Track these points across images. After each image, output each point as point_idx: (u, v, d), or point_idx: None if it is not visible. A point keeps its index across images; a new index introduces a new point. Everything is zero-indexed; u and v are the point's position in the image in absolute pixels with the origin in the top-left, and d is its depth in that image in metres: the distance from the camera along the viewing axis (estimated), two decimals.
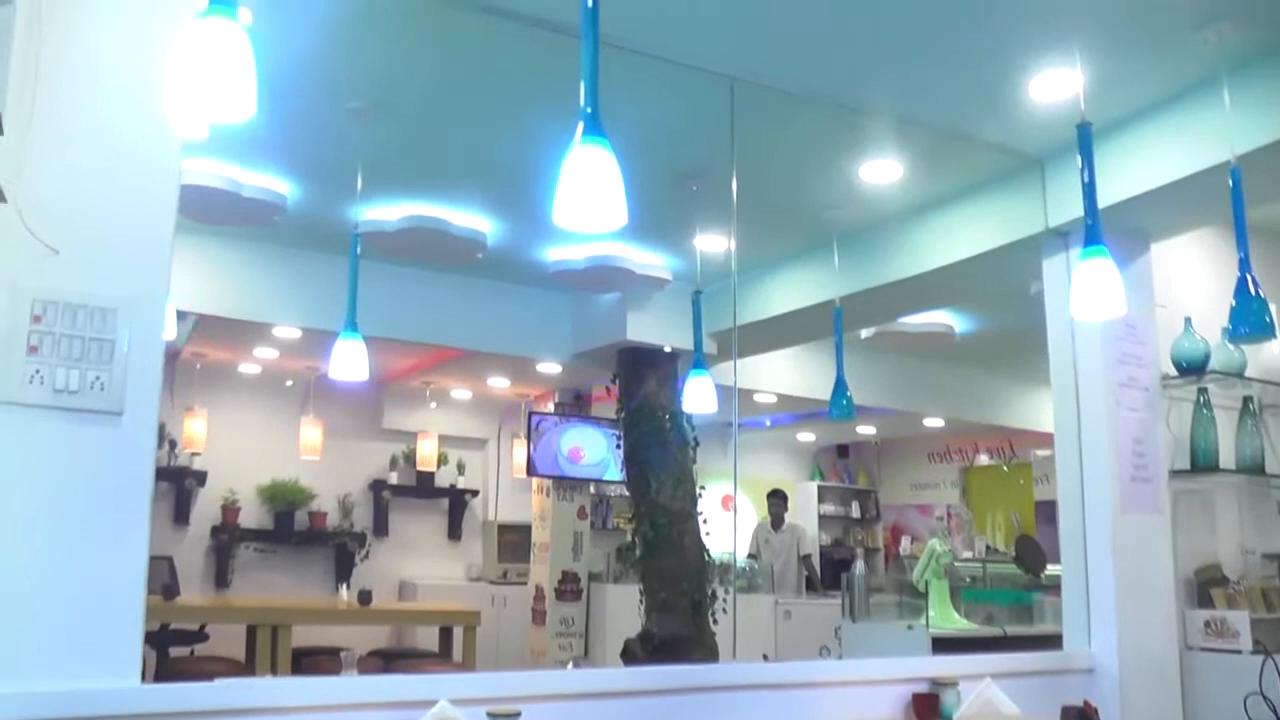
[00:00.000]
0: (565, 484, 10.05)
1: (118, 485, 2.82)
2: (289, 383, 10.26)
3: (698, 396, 5.74)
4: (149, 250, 3.04)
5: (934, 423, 11.77)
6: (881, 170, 5.42)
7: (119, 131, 3.00)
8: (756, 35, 4.12)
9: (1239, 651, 4.94)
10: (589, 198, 2.47)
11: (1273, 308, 5.71)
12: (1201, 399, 5.43)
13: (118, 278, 2.96)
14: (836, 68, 4.39)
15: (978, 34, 4.09)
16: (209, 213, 5.76)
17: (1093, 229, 3.70)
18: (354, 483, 10.75)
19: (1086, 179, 3.79)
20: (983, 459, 13.27)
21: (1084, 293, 3.70)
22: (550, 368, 8.78)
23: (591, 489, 10.58)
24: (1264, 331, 4.10)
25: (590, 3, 2.55)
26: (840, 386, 5.99)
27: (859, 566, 8.49)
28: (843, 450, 14.47)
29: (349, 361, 4.95)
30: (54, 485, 2.73)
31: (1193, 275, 5.69)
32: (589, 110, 2.51)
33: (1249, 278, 4.06)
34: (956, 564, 11.94)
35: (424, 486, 11.08)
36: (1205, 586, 5.30)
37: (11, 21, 2.68)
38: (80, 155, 2.95)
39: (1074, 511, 5.08)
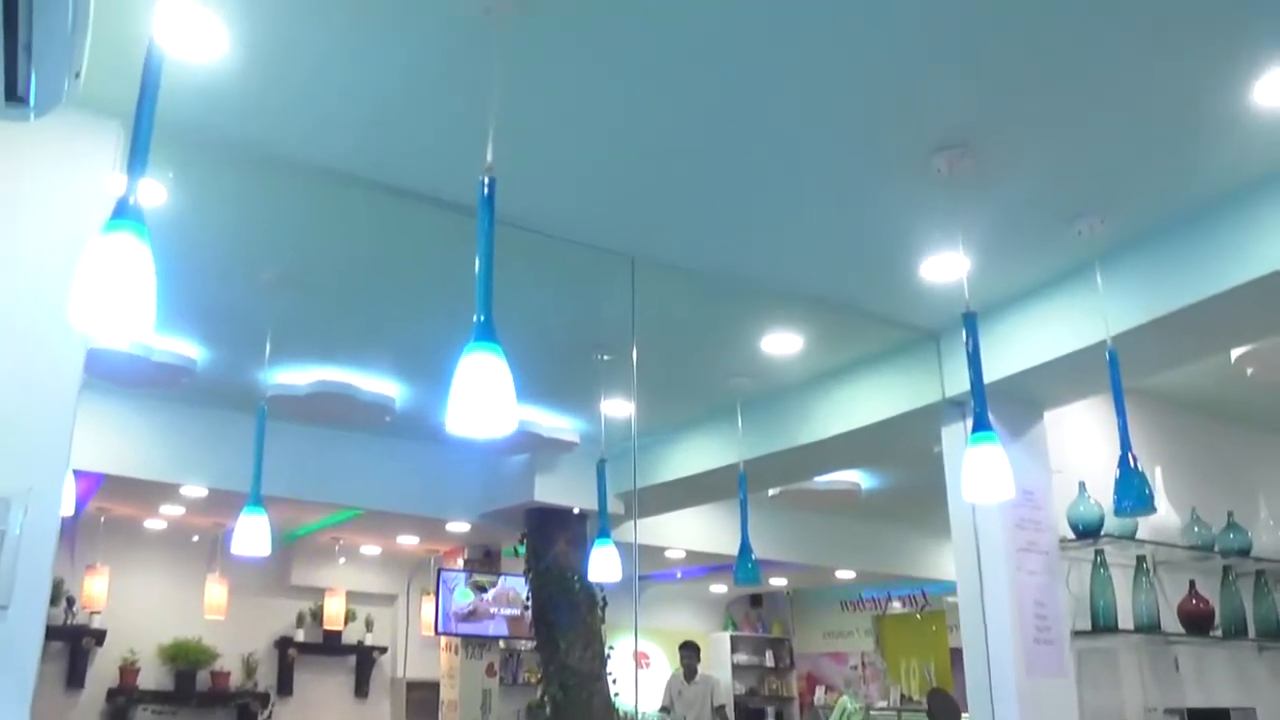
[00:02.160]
0: (474, 641, 9.91)
1: None
2: (195, 538, 10.06)
3: (602, 566, 5.76)
4: (48, 441, 3.05)
5: (845, 574, 11.85)
6: (782, 342, 5.61)
7: (24, 331, 3.04)
8: (656, 216, 4.30)
9: None
10: (481, 404, 2.52)
11: (1159, 471, 5.99)
12: (1099, 560, 5.61)
13: (13, 468, 2.96)
14: (734, 248, 4.58)
15: (869, 221, 4.32)
16: (117, 376, 5.73)
17: (980, 416, 3.83)
18: (259, 641, 10.47)
19: (972, 367, 3.94)
20: (896, 607, 13.33)
21: (974, 477, 3.82)
22: (459, 526, 8.74)
23: (501, 645, 10.45)
24: (1145, 505, 4.27)
25: (484, 223, 2.63)
26: (745, 551, 6.04)
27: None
28: (756, 600, 14.46)
29: (251, 538, 4.90)
30: None
31: (1087, 440, 5.91)
32: (481, 318, 2.57)
33: (1130, 455, 4.22)
34: (872, 713, 11.95)
35: (331, 644, 10.82)
36: None
37: None
38: None
39: (980, 674, 5.16)
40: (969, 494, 3.92)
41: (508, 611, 9.89)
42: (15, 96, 2.21)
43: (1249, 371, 5.71)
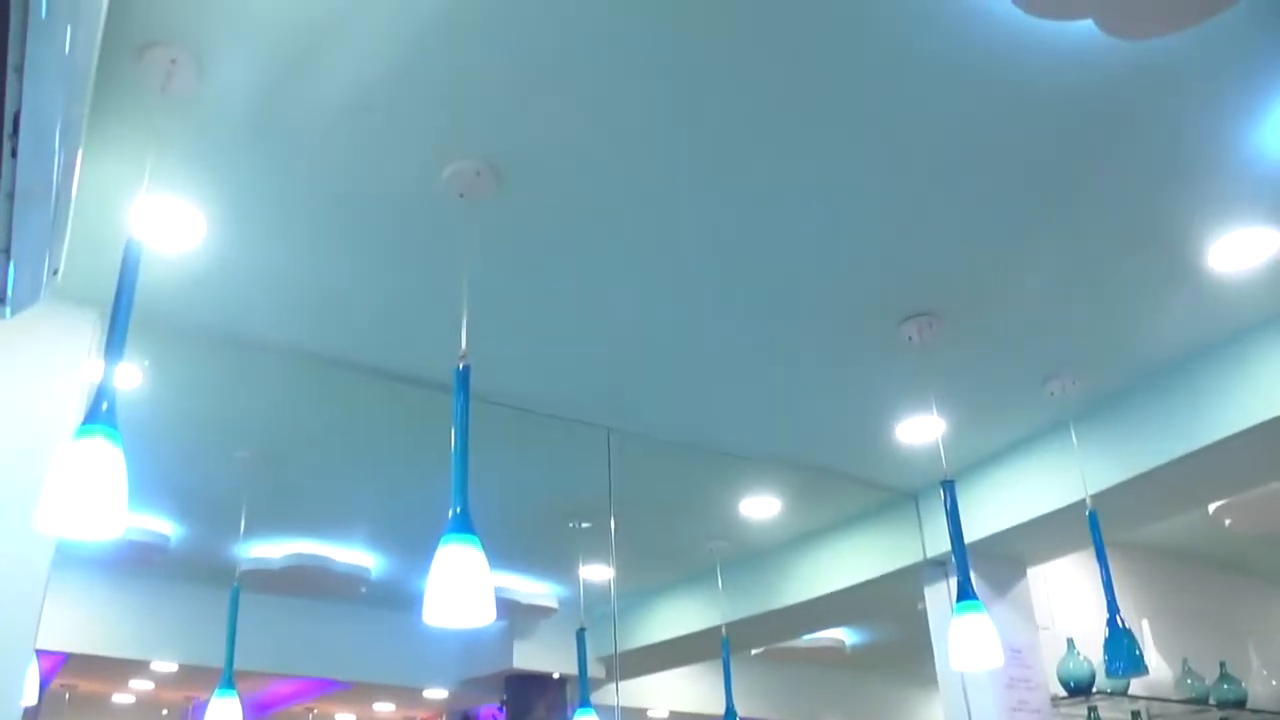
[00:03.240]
0: None
1: None
2: (165, 713, 9.79)
3: None
4: (11, 638, 2.99)
5: None
6: (760, 505, 5.59)
7: None
8: (630, 390, 4.34)
9: None
10: (458, 596, 2.50)
11: (1146, 624, 5.94)
12: (1092, 717, 5.51)
13: None
14: (708, 417, 4.62)
15: (843, 387, 4.37)
16: (88, 555, 5.64)
17: (964, 585, 3.78)
18: None
19: (953, 534, 3.91)
20: None
21: (962, 646, 3.75)
22: (437, 693, 8.55)
23: None
24: (1136, 667, 4.22)
25: (460, 410, 2.63)
26: (730, 715, 5.91)
27: None
28: None
29: None
30: None
31: (1074, 595, 5.87)
32: (458, 510, 2.56)
33: (1118, 617, 4.19)
34: None
35: None
36: None
37: None
38: None
39: None
40: (957, 664, 3.85)
41: None
42: None
43: (1227, 523, 5.73)
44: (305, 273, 3.44)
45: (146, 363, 3.79)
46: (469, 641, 7.73)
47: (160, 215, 3.04)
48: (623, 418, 4.56)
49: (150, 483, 5.02)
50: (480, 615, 2.52)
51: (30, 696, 3.33)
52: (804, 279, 3.56)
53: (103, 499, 2.15)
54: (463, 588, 2.50)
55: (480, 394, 2.73)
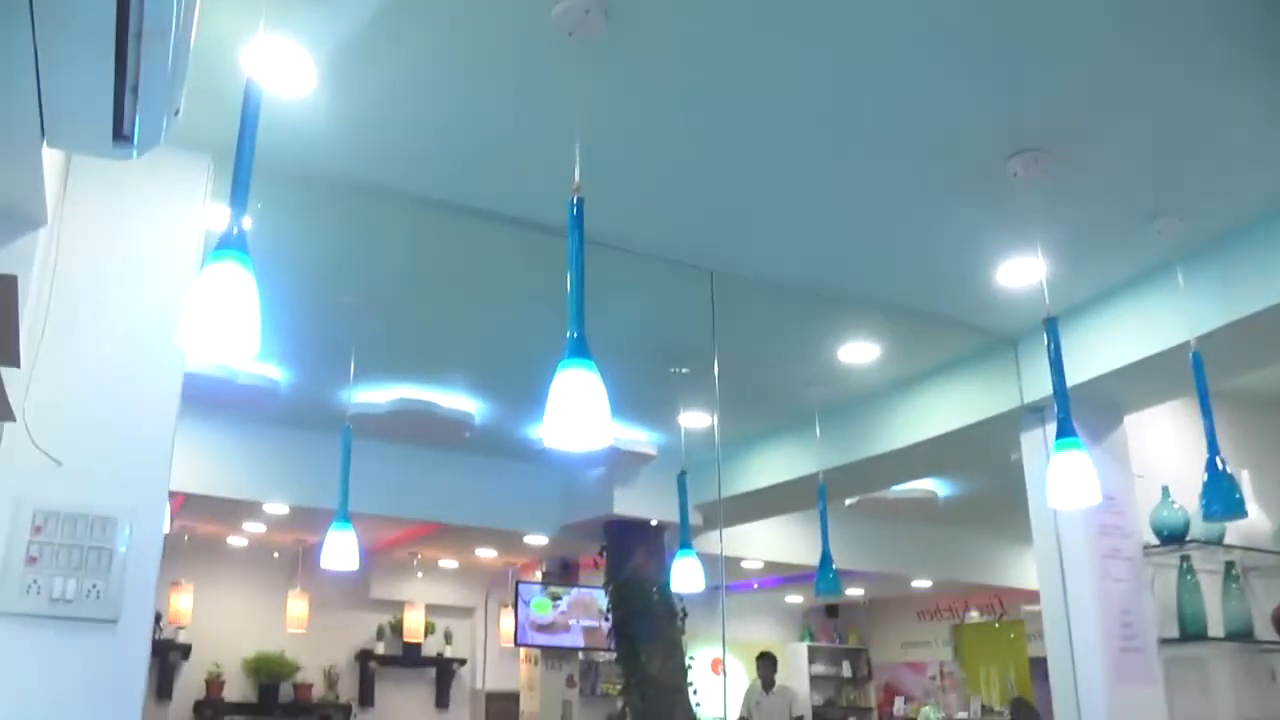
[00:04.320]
0: (553, 652, 9.97)
1: (112, 692, 2.87)
2: (276, 555, 10.25)
3: (685, 576, 5.80)
4: (149, 462, 3.16)
5: (922, 583, 11.77)
6: (859, 351, 5.61)
7: (125, 355, 3.15)
8: (734, 232, 4.35)
9: None
10: (576, 419, 2.55)
11: (1246, 474, 5.90)
12: (1185, 566, 5.49)
13: (118, 488, 3.07)
14: (812, 259, 4.62)
15: (945, 228, 4.31)
16: (205, 398, 5.87)
17: (1064, 422, 3.80)
18: (340, 654, 10.65)
19: (1055, 373, 3.91)
20: (973, 616, 13.20)
21: (1060, 483, 3.79)
22: (538, 539, 8.82)
23: (580, 656, 10.50)
24: (1235, 509, 4.19)
25: (575, 243, 2.67)
26: (826, 562, 6.04)
27: None
28: (832, 610, 14.39)
29: (340, 553, 5.02)
30: (47, 694, 2.79)
31: (1169, 444, 5.82)
32: (575, 335, 2.62)
33: (1218, 459, 4.16)
34: None
35: (411, 656, 10.98)
36: None
37: (33, 250, 2.84)
38: (88, 377, 3.09)
39: (1067, 684, 5.10)
40: (1054, 500, 3.88)
41: (586, 623, 9.95)
42: (121, 136, 2.30)
43: None
44: (414, 115, 3.48)
45: (258, 205, 3.88)
46: (569, 487, 7.95)
47: (274, 58, 3.09)
48: (726, 260, 4.58)
49: (261, 327, 5.19)
50: (597, 438, 2.57)
51: (167, 524, 3.53)
52: (910, 114, 3.52)
53: (239, 321, 2.25)
54: (581, 411, 2.55)
55: (587, 236, 2.77)
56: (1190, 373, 4.21)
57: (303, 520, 8.26)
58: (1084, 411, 5.12)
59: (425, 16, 3.00)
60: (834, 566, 6.14)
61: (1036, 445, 5.40)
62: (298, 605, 9.90)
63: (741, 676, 12.20)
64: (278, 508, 7.69)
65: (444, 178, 3.91)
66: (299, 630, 9.90)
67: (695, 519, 7.33)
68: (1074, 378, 4.94)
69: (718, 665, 12.37)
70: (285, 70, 3.16)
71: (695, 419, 6.47)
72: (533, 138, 3.58)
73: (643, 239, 4.37)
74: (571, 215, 2.75)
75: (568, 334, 2.62)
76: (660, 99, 3.41)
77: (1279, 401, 6.69)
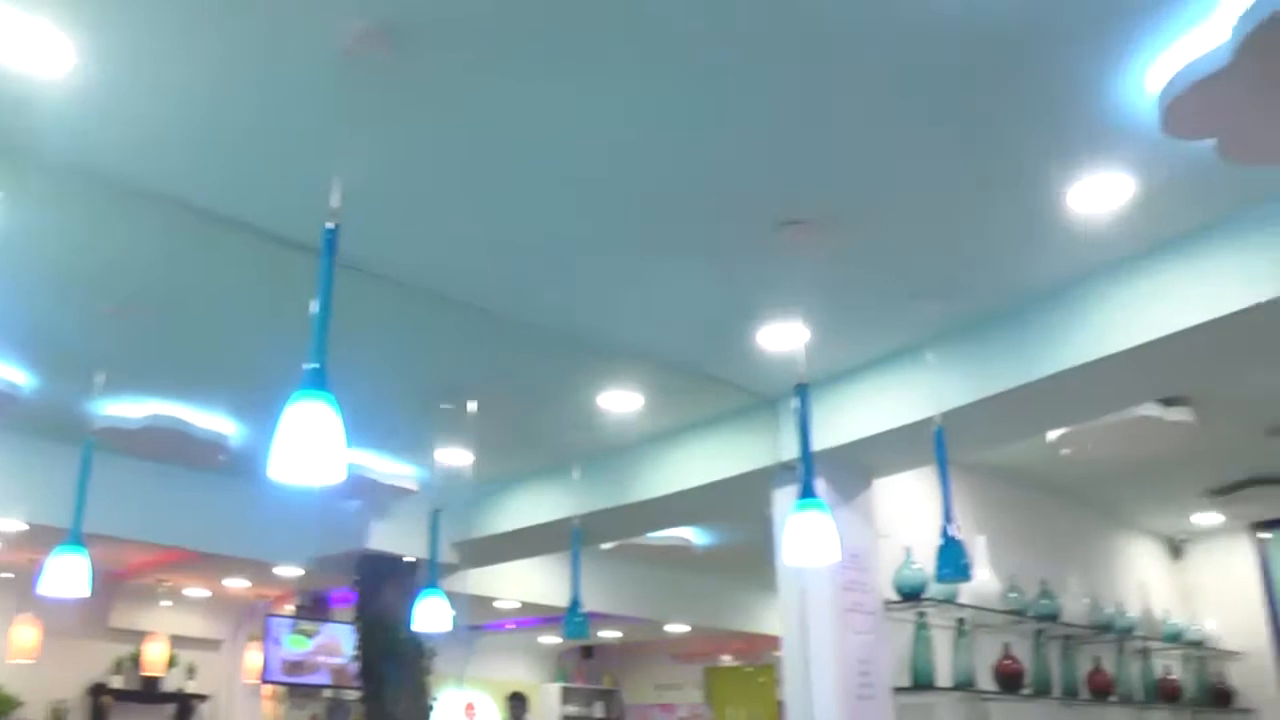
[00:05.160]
0: (300, 690, 9.70)
1: None
2: (8, 575, 9.62)
3: (429, 616, 5.73)
4: None
5: (677, 628, 11.97)
6: (623, 399, 5.69)
7: None
8: (503, 269, 4.33)
9: None
10: (305, 453, 2.49)
11: (983, 540, 6.26)
12: (921, 621, 5.86)
13: None
14: (580, 307, 4.66)
15: (713, 288, 4.46)
16: None
17: (806, 484, 3.98)
18: (71, 687, 10.01)
19: (801, 437, 4.09)
20: (726, 659, 13.49)
21: (798, 541, 3.95)
22: (291, 570, 8.57)
23: (327, 695, 10.24)
24: (962, 574, 4.51)
25: (325, 271, 2.64)
26: (574, 606, 6.07)
27: None
28: (588, 651, 14.45)
29: (65, 578, 4.63)
30: None
31: (915, 507, 6.15)
32: (314, 366, 2.56)
33: (951, 527, 4.47)
34: None
35: (149, 691, 10.38)
36: None
37: None
38: None
39: None
40: (791, 558, 4.05)
41: (333, 660, 9.72)
42: None
43: (1063, 452, 6.05)
44: (177, 116, 3.32)
45: (1, 194, 3.67)
46: (324, 519, 7.72)
47: (27, 36, 2.91)
48: (493, 297, 4.56)
49: (4, 326, 4.92)
50: (328, 475, 2.51)
51: None
52: (686, 175, 3.62)
53: None
54: (312, 445, 2.49)
55: (351, 261, 2.73)
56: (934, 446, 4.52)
57: (41, 538, 7.78)
58: (835, 472, 5.37)
59: (197, 11, 2.88)
60: (585, 610, 6.18)
61: (788, 501, 5.53)
62: (25, 633, 9.24)
63: (493, 716, 12.14)
64: (12, 524, 7.23)
65: (208, 185, 3.75)
66: (24, 660, 9.26)
67: (452, 557, 7.29)
68: (827, 441, 5.21)
69: (471, 710, 12.30)
70: (41, 48, 2.96)
71: (455, 456, 6.43)
72: (299, 155, 3.50)
73: (411, 269, 4.31)
74: (325, 242, 2.71)
75: (307, 364, 2.57)
76: (435, 132, 3.39)
77: (1015, 477, 7.18)
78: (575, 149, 3.48)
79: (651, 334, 4.94)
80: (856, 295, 4.56)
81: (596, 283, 4.44)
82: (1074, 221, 3.95)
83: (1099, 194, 3.77)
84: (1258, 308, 3.96)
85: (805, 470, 4.02)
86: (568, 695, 13.89)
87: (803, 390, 4.13)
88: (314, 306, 2.62)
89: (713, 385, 5.46)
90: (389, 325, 4.78)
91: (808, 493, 3.97)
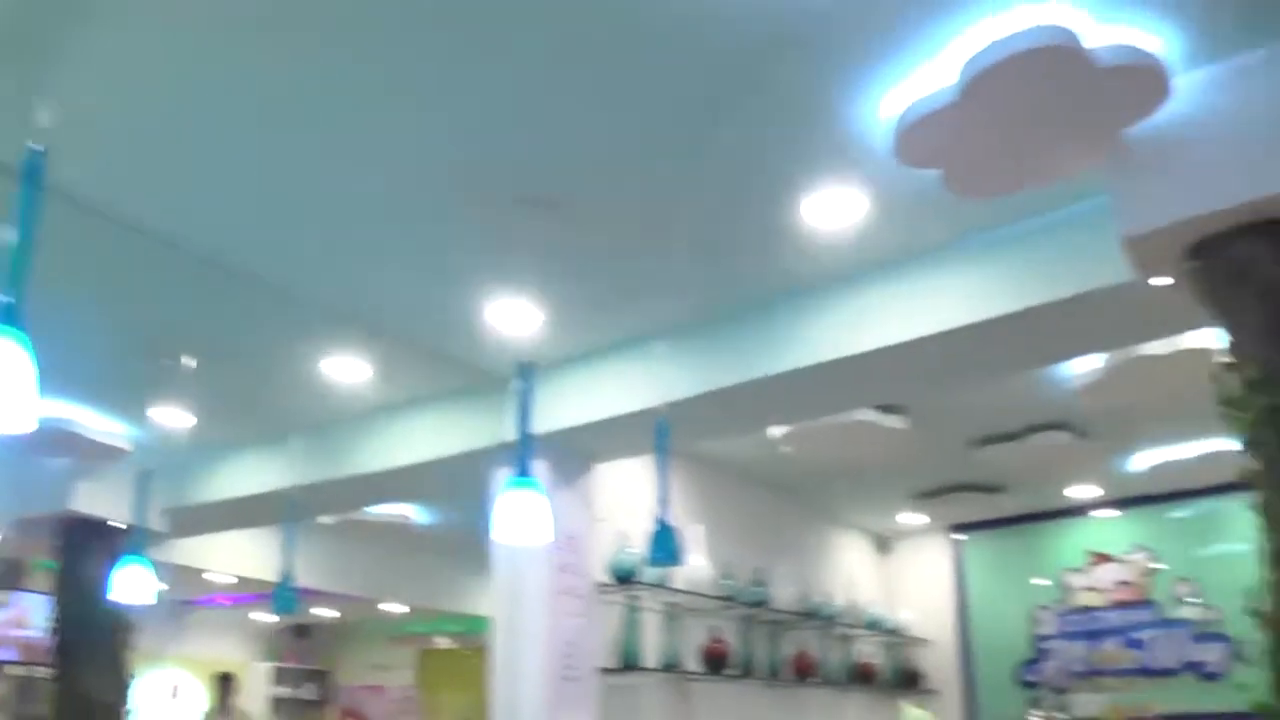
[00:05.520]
0: None
1: None
2: None
3: (130, 586, 5.46)
4: None
5: (395, 607, 11.82)
6: (350, 368, 5.51)
7: None
8: (233, 220, 4.11)
9: None
10: None
11: (701, 528, 6.45)
12: (632, 605, 5.99)
13: None
14: (308, 268, 4.50)
15: (447, 261, 4.41)
16: None
17: (523, 463, 4.01)
18: None
19: (521, 417, 4.11)
20: (442, 642, 13.40)
21: (509, 519, 3.96)
22: None
23: (16, 671, 9.60)
24: (674, 559, 4.65)
25: (27, 199, 2.44)
26: (285, 580, 5.91)
27: None
28: (303, 630, 14.08)
29: None
30: None
31: (635, 493, 6.25)
32: (10, 301, 2.38)
33: (665, 514, 4.63)
34: None
35: None
36: None
37: None
38: None
39: (509, 708, 5.30)
40: (501, 535, 4.05)
41: (24, 634, 9.13)
42: None
43: (784, 449, 6.31)
44: None
45: None
46: (22, 477, 7.18)
47: None
48: (225, 252, 4.33)
49: None
50: (16, 423, 2.33)
51: None
52: (428, 146, 3.57)
53: None
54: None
55: (65, 189, 2.50)
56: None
57: None
58: (557, 455, 5.41)
59: None
60: (300, 586, 6.03)
61: None
62: None
63: (200, 696, 11.69)
64: None
65: None
66: None
67: (161, 524, 6.95)
68: (551, 424, 5.24)
69: (176, 692, 11.79)
70: None
71: (174, 416, 6.10)
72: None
73: (136, 209, 3.99)
74: (28, 167, 2.51)
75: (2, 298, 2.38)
76: (169, 68, 3.18)
77: (737, 469, 7.43)
78: (316, 111, 3.38)
79: (382, 302, 4.82)
80: (590, 281, 4.59)
81: (329, 245, 4.30)
82: (807, 232, 4.12)
83: (833, 208, 3.95)
84: (973, 327, 4.25)
85: (522, 449, 4.04)
86: (279, 675, 13.50)
87: (526, 370, 4.16)
88: (11, 235, 2.42)
89: (442, 360, 5.38)
90: (106, 267, 4.45)
91: (522, 472, 3.99)
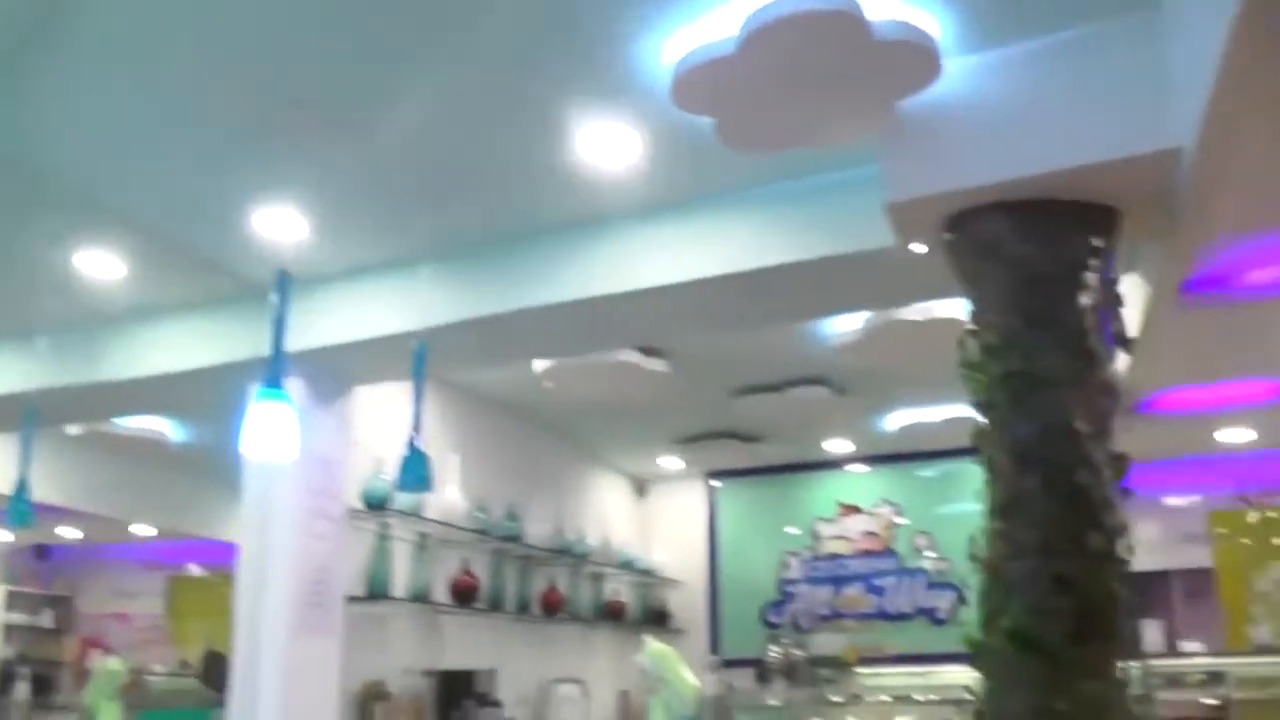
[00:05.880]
0: None
1: None
2: None
3: None
4: None
5: (145, 530, 11.40)
6: (102, 264, 5.15)
7: None
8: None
9: None
10: None
11: (458, 459, 6.44)
12: (383, 532, 5.97)
13: None
14: (65, 144, 4.20)
15: (211, 160, 4.23)
16: None
17: (274, 374, 3.92)
18: None
19: (276, 327, 4.02)
20: (194, 569, 13.02)
21: (257, 433, 3.87)
22: None
23: None
24: (424, 486, 4.67)
25: None
26: (21, 490, 5.62)
27: (20, 688, 7.88)
28: (43, 552, 13.40)
29: None
30: None
31: (395, 419, 6.14)
32: None
33: (417, 439, 4.71)
34: (151, 678, 11.54)
35: None
36: (369, 702, 5.73)
37: None
38: None
39: (251, 634, 5.21)
40: (249, 449, 3.96)
41: None
42: None
43: (547, 384, 6.36)
44: None
45: None
46: None
47: None
48: None
49: None
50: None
51: None
52: (198, 38, 3.45)
53: None
54: None
55: None
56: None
57: None
58: (316, 375, 5.33)
59: None
60: (41, 502, 5.72)
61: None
62: None
63: None
64: None
65: None
66: None
67: None
68: (311, 340, 5.15)
69: None
70: None
71: None
72: None
73: None
74: None
75: None
76: None
77: (499, 402, 7.45)
78: None
79: (143, 196, 4.56)
80: (358, 196, 4.50)
81: (86, 128, 4.03)
82: (581, 166, 4.16)
83: (607, 145, 4.00)
84: (739, 275, 4.41)
85: (275, 359, 3.96)
86: (14, 601, 12.81)
87: (284, 278, 4.06)
88: None
89: (203, 265, 5.14)
90: None
91: (273, 382, 3.90)
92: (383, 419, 6.02)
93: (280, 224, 4.66)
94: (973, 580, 3.48)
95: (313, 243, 4.79)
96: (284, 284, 4.06)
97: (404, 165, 4.21)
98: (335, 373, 5.54)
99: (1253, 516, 8.56)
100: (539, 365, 6.23)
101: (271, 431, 3.86)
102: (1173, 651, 7.26)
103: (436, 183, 4.35)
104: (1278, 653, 7.34)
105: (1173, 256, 4.05)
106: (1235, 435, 7.54)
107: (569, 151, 4.04)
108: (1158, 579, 8.34)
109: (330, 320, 5.20)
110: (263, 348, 5.22)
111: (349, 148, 4.05)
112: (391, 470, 5.64)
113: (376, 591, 5.84)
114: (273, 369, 3.94)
